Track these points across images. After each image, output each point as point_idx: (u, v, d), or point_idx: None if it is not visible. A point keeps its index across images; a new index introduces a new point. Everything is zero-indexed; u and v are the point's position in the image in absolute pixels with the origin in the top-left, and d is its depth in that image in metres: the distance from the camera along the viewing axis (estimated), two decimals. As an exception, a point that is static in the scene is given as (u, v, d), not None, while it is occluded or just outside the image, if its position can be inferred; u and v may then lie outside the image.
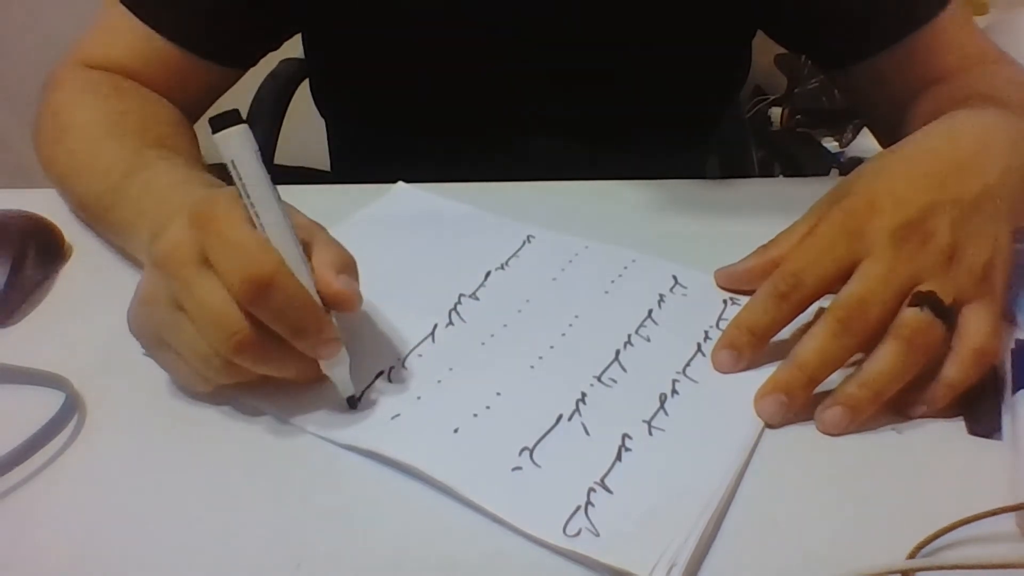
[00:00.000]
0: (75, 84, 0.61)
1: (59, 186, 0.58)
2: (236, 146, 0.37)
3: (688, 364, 0.43)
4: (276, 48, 0.70)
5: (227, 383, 0.39)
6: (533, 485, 0.36)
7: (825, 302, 0.42)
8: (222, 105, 0.63)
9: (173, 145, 0.54)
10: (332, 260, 0.39)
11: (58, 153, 0.57)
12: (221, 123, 0.37)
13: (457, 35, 0.63)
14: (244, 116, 0.38)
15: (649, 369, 0.43)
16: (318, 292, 0.38)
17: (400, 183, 0.60)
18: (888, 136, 0.66)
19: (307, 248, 0.39)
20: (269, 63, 0.98)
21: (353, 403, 0.40)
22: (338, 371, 0.39)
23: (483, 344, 0.44)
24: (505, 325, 0.46)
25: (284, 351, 0.37)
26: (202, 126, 0.60)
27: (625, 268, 0.51)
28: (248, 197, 0.37)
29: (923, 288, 0.40)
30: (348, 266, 0.39)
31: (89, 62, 0.62)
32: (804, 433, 0.39)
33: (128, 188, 0.49)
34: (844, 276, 0.41)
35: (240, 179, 0.37)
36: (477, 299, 0.48)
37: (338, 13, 0.64)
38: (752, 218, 0.56)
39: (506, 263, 0.51)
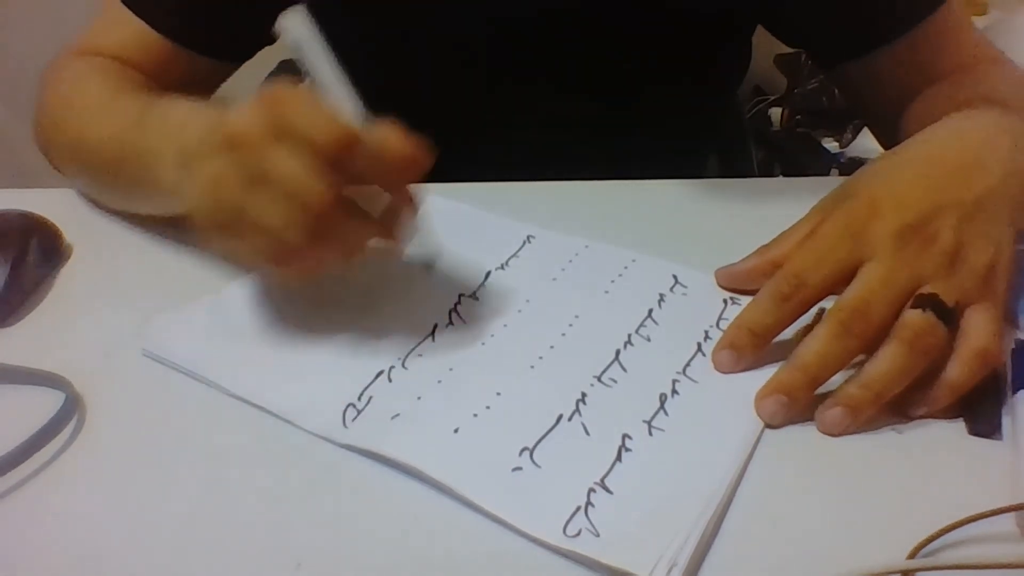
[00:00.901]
0: (74, 68, 0.62)
1: (71, 156, 0.58)
2: (299, 27, 0.40)
3: (688, 364, 0.43)
4: (272, 43, 0.70)
5: (293, 262, 0.41)
6: (533, 485, 0.36)
7: (826, 303, 0.42)
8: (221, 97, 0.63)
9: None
10: (396, 128, 0.39)
11: (70, 122, 0.58)
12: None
13: (454, 33, 0.63)
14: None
15: (649, 369, 0.43)
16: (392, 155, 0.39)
17: (400, 183, 0.60)
18: (887, 136, 0.67)
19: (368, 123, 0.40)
20: (269, 63, 0.98)
21: (430, 268, 0.47)
22: (416, 236, 0.44)
23: (483, 344, 0.44)
24: (505, 325, 0.46)
25: (360, 220, 0.41)
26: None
27: (625, 268, 0.51)
28: (315, 70, 0.40)
29: (925, 290, 0.40)
30: (409, 137, 0.40)
31: (85, 53, 0.63)
32: (804, 433, 0.39)
33: (148, 120, 0.50)
34: (846, 278, 0.41)
35: (306, 56, 0.40)
36: (477, 299, 0.48)
37: (334, 10, 0.64)
38: (752, 218, 0.56)
39: (506, 263, 0.51)
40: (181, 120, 0.46)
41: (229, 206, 0.39)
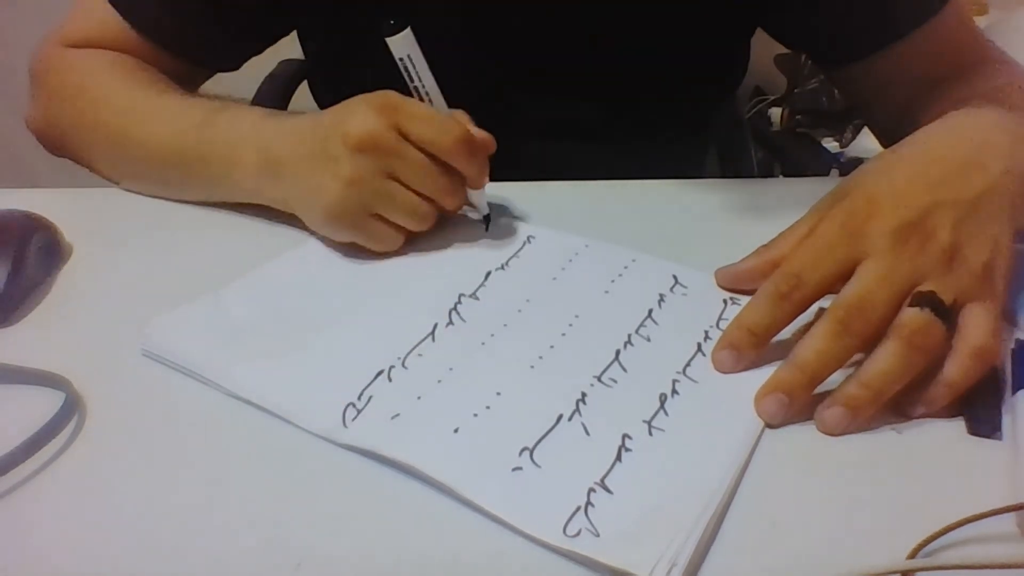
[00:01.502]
0: (88, 62, 0.62)
1: (107, 150, 0.60)
2: (408, 46, 0.48)
3: (688, 364, 0.43)
4: (259, 52, 0.70)
5: (424, 228, 0.51)
6: (533, 485, 0.36)
7: (825, 302, 0.42)
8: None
9: (223, 96, 0.60)
10: (464, 116, 0.51)
11: (103, 118, 0.60)
12: (390, 31, 0.48)
13: (452, 34, 0.63)
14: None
15: (649, 369, 0.43)
16: None
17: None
18: (888, 136, 0.67)
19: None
20: (269, 63, 0.98)
21: (488, 221, 0.54)
22: (480, 196, 0.53)
23: (483, 344, 0.44)
24: (505, 325, 0.46)
25: (463, 188, 0.51)
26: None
27: (625, 268, 0.51)
28: (420, 81, 0.49)
29: (923, 288, 0.40)
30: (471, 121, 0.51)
31: (74, 44, 0.63)
32: (804, 433, 0.39)
33: (216, 123, 0.55)
34: (845, 276, 0.41)
35: (414, 68, 0.49)
36: (477, 299, 0.48)
37: (327, 17, 0.65)
38: (752, 218, 0.56)
39: (506, 263, 0.52)
40: (257, 129, 0.53)
41: (372, 198, 0.48)
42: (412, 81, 0.49)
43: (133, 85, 0.60)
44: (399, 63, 0.49)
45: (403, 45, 0.48)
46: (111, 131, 0.59)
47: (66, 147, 0.63)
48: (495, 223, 0.55)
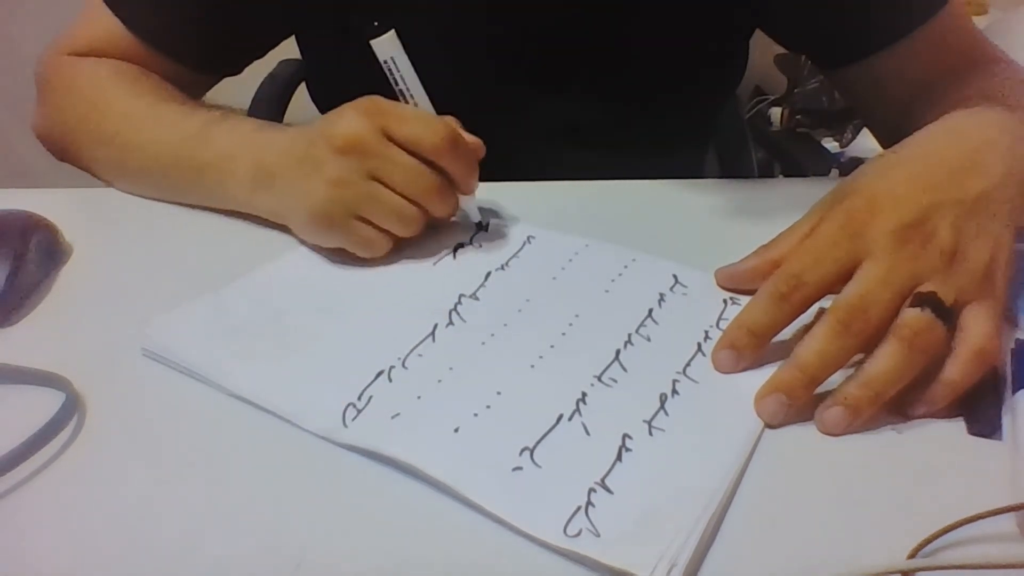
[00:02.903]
0: (92, 70, 0.63)
1: (109, 157, 0.60)
2: (392, 48, 0.48)
3: (688, 364, 0.43)
4: (261, 56, 0.70)
5: (410, 234, 0.50)
6: (533, 485, 0.36)
7: (826, 302, 0.42)
8: (221, 101, 0.64)
9: (221, 107, 0.61)
10: (456, 121, 0.51)
11: (105, 126, 0.60)
12: (373, 33, 0.48)
13: (449, 35, 0.63)
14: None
15: (649, 369, 0.43)
16: None
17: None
18: (888, 137, 0.67)
19: None
20: (269, 63, 0.98)
21: (484, 226, 0.54)
22: (472, 203, 0.53)
23: (483, 344, 0.44)
24: (505, 325, 0.46)
25: (453, 193, 0.51)
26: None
27: (625, 268, 0.51)
28: (404, 83, 0.49)
29: (924, 289, 0.40)
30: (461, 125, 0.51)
31: (78, 53, 0.63)
32: (804, 433, 0.39)
33: (212, 133, 0.55)
34: (845, 277, 0.41)
35: (398, 71, 0.49)
36: (477, 299, 0.48)
37: (326, 20, 0.65)
38: (752, 218, 0.56)
39: (506, 263, 0.52)
40: (250, 140, 0.54)
41: (356, 200, 0.48)
42: (397, 84, 0.49)
43: (134, 93, 0.60)
44: (383, 66, 0.49)
45: (387, 47, 0.48)
46: (111, 138, 0.60)
47: (69, 153, 0.64)
48: (495, 223, 0.55)
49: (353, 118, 0.48)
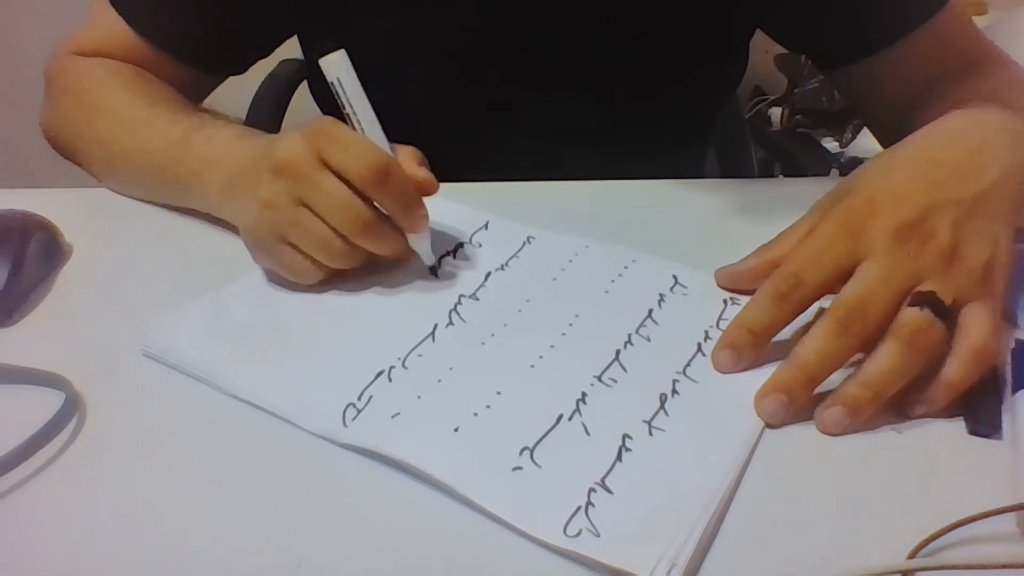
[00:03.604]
0: (93, 71, 0.63)
1: (103, 160, 0.61)
2: (340, 67, 0.45)
3: (688, 364, 0.43)
4: (266, 55, 0.71)
5: (338, 267, 0.47)
6: (533, 485, 0.36)
7: (826, 302, 0.42)
8: (219, 104, 0.64)
9: (213, 112, 0.60)
10: (412, 154, 0.48)
11: (99, 128, 0.60)
12: (323, 50, 0.45)
13: (449, 36, 0.63)
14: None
15: (649, 369, 0.43)
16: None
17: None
18: (887, 136, 0.67)
19: (392, 149, 0.47)
20: (269, 63, 0.98)
21: (435, 271, 0.50)
22: (423, 244, 0.49)
23: (483, 344, 0.44)
24: (505, 325, 0.46)
25: (389, 231, 0.47)
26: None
27: (625, 268, 0.51)
28: (351, 107, 0.46)
29: (923, 288, 0.40)
30: (423, 160, 0.49)
31: (85, 53, 0.64)
32: (804, 433, 0.39)
33: (192, 142, 0.54)
34: (845, 276, 0.41)
35: (344, 93, 0.46)
36: (477, 299, 0.48)
37: (324, 19, 0.65)
38: (752, 218, 0.56)
39: (506, 263, 0.52)
40: (226, 149, 0.52)
41: (282, 223, 0.45)
42: (343, 108, 0.46)
43: (128, 96, 0.60)
44: (331, 87, 0.46)
45: (334, 67, 0.45)
46: (104, 141, 0.60)
47: (70, 152, 0.64)
48: (495, 223, 0.55)
49: (293, 139, 0.45)
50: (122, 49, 0.64)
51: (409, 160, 0.47)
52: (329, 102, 0.51)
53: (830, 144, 1.58)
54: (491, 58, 0.64)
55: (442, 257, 0.51)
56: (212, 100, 0.70)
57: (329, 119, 0.46)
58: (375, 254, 0.48)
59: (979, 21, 1.35)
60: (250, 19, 0.64)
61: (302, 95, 0.92)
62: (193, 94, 0.66)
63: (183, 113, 0.58)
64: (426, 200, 0.47)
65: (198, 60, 0.66)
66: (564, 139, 0.68)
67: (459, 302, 0.48)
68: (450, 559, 0.34)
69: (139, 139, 0.58)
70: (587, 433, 0.39)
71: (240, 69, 0.70)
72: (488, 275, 0.50)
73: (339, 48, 0.45)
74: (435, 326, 0.46)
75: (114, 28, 0.64)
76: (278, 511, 0.35)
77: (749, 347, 0.42)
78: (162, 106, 0.59)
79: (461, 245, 0.53)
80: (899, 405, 0.40)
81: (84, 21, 0.67)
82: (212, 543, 0.34)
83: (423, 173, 0.47)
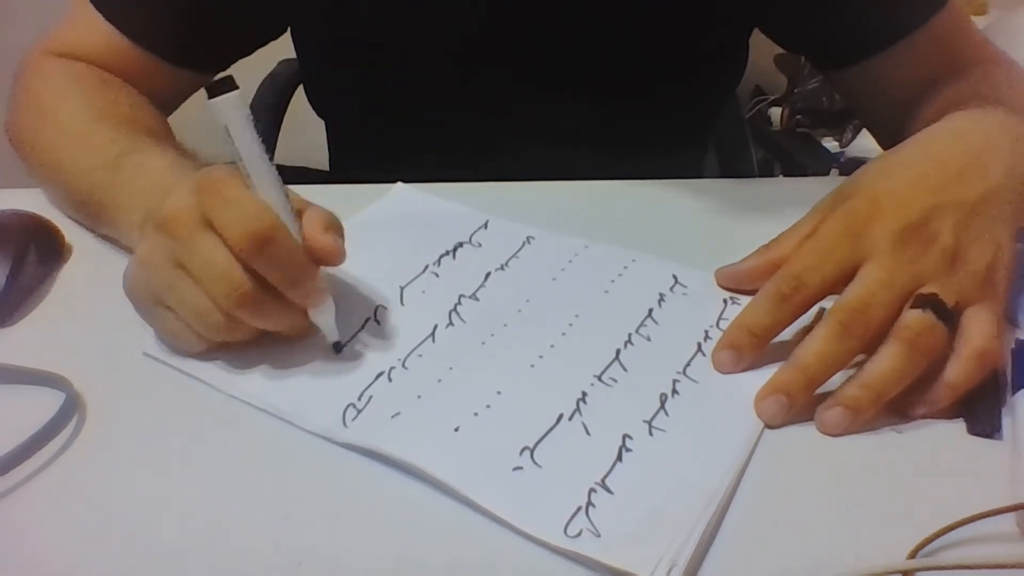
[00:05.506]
0: (56, 73, 0.61)
1: (41, 169, 0.57)
2: (229, 112, 0.39)
3: (688, 364, 0.43)
4: (248, 55, 0.68)
5: (221, 340, 0.41)
6: (534, 485, 0.36)
7: (827, 303, 0.42)
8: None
9: (164, 135, 0.56)
10: (320, 218, 0.41)
11: (43, 135, 0.57)
12: (217, 89, 0.38)
13: (448, 36, 0.63)
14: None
15: (649, 369, 0.43)
16: (307, 247, 0.40)
17: (400, 183, 0.59)
18: (887, 138, 0.66)
19: (299, 212, 0.41)
20: (269, 63, 0.98)
21: (339, 348, 0.43)
22: (324, 319, 0.42)
23: (483, 344, 0.44)
24: (505, 325, 0.46)
25: (278, 305, 0.40)
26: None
27: (625, 268, 0.51)
28: (241, 160, 0.39)
29: (925, 290, 0.40)
30: (334, 225, 0.42)
31: (59, 53, 0.62)
32: (804, 433, 0.39)
33: (122, 167, 0.50)
34: (846, 278, 0.41)
35: (233, 143, 0.39)
36: (477, 299, 0.48)
37: (318, 20, 0.64)
38: (752, 218, 0.56)
39: (506, 263, 0.51)
40: (153, 182, 0.47)
41: (159, 286, 0.41)
42: (234, 159, 0.40)
43: (77, 105, 0.57)
44: (222, 132, 0.39)
45: (223, 111, 0.38)
46: (44, 147, 0.57)
47: (20, 151, 0.61)
48: (495, 223, 0.55)
49: (182, 192, 0.40)
50: (98, 47, 0.61)
51: (315, 224, 0.41)
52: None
53: (830, 144, 1.58)
54: (490, 58, 0.64)
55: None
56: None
57: (226, 168, 0.40)
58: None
59: (979, 21, 1.35)
60: (237, 16, 0.62)
61: (302, 95, 0.92)
62: (172, 94, 0.64)
63: (126, 131, 0.53)
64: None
65: (178, 57, 0.63)
66: (564, 139, 0.68)
67: (459, 302, 0.48)
68: (450, 559, 0.34)
69: (72, 154, 0.54)
70: (587, 433, 0.39)
71: (219, 67, 0.67)
72: (488, 275, 0.50)
73: (232, 88, 0.39)
74: (435, 326, 0.46)
75: (88, 23, 0.61)
76: (278, 511, 0.35)
77: (749, 348, 0.42)
78: (107, 122, 0.55)
79: (461, 245, 0.53)
80: (899, 406, 0.40)
81: (62, 22, 0.64)
82: (212, 543, 0.34)
83: (326, 240, 0.40)
